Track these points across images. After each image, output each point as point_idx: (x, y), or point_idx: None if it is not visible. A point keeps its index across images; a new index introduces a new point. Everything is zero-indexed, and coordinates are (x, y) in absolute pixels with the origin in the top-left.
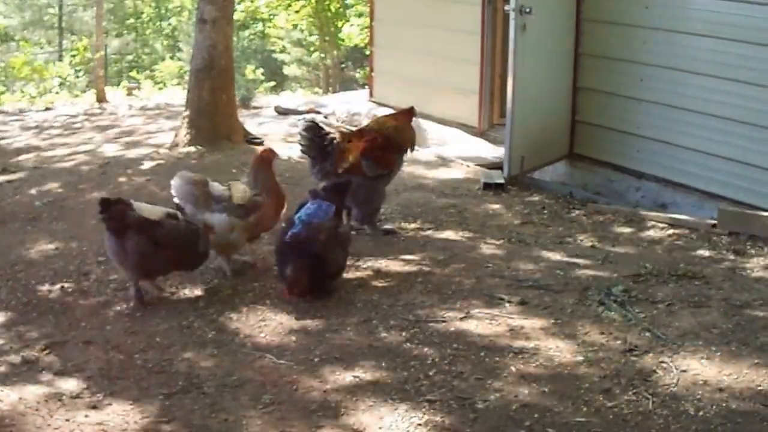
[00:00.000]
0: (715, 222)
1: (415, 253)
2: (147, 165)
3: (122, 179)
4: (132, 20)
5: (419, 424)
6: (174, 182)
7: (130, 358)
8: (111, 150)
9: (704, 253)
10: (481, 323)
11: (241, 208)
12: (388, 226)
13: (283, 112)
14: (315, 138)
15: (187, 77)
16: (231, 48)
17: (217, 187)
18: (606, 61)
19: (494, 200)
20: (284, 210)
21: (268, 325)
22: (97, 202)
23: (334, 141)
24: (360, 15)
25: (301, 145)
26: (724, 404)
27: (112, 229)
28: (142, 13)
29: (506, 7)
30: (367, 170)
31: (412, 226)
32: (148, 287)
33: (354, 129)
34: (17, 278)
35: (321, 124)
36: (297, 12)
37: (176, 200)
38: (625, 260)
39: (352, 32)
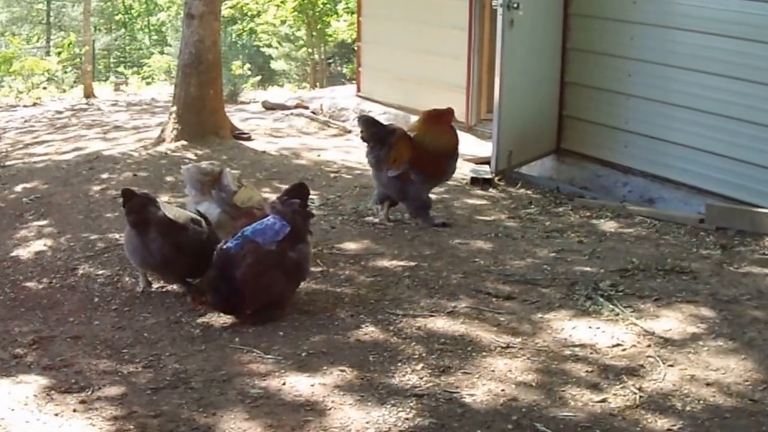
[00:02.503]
0: (703, 217)
1: (402, 248)
2: (133, 160)
3: (109, 175)
4: (120, 16)
5: (406, 419)
6: (188, 167)
7: (118, 353)
8: (98, 145)
9: (692, 248)
10: (469, 318)
11: (235, 208)
12: (441, 220)
13: (270, 107)
14: (373, 129)
15: (174, 72)
16: (218, 43)
17: (229, 177)
18: (594, 56)
19: (481, 195)
20: None
21: (255, 320)
22: (119, 195)
23: (393, 133)
24: (352, 13)
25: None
26: (711, 399)
27: (132, 223)
28: (131, 8)
29: (494, 3)
30: (415, 179)
31: (399, 220)
32: (141, 280)
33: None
34: (5, 274)
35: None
36: (292, 11)
37: (184, 176)
38: (613, 255)
39: (340, 27)
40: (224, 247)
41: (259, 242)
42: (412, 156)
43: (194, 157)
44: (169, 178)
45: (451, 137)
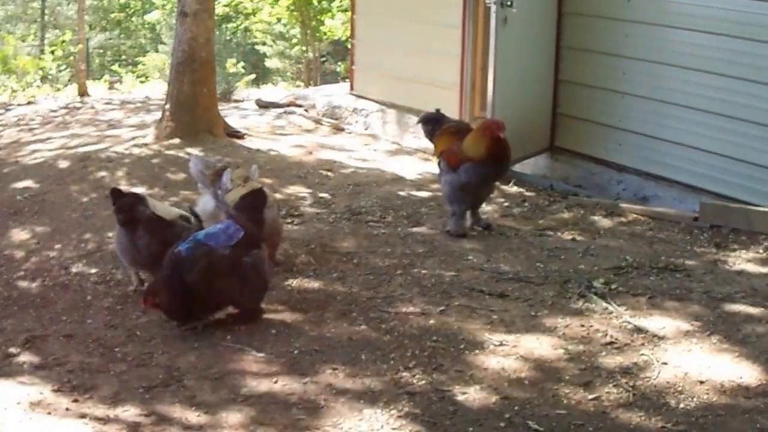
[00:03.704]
0: (697, 215)
1: (395, 245)
2: (127, 159)
3: (103, 173)
4: (116, 13)
5: (399, 417)
6: (194, 160)
7: (110, 352)
8: (92, 144)
9: (686, 246)
10: (461, 316)
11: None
12: (462, 231)
13: (264, 105)
14: (428, 126)
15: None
16: (212, 41)
17: (228, 176)
18: (588, 54)
19: None
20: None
21: (243, 321)
22: (108, 193)
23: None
24: (346, 11)
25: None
26: (705, 397)
27: (121, 222)
28: (127, 6)
29: (487, 0)
30: (443, 167)
31: (392, 218)
32: (133, 278)
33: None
34: None
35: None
36: (286, 9)
37: (192, 169)
38: (606, 253)
39: (335, 25)
40: (175, 251)
41: (212, 246)
42: (446, 148)
43: (187, 156)
44: (162, 177)
45: (483, 147)
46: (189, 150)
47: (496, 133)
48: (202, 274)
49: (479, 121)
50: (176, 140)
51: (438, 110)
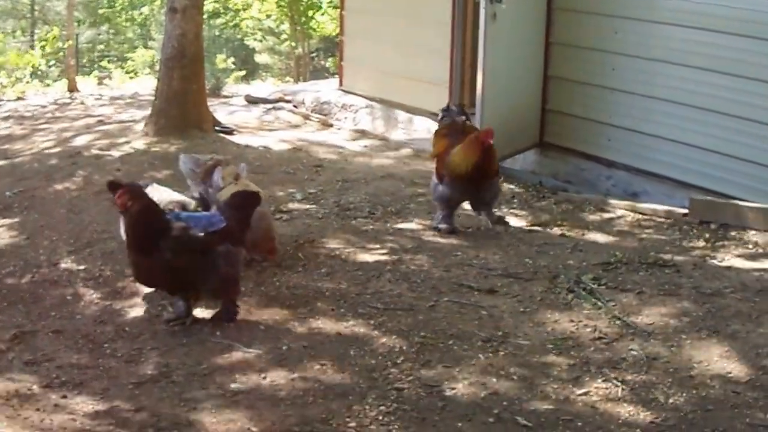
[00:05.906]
0: (686, 211)
1: (384, 241)
2: (117, 154)
3: (92, 170)
4: (104, 9)
5: (387, 413)
6: (183, 157)
7: (99, 348)
8: (81, 140)
9: (675, 241)
10: (450, 312)
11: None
12: (449, 227)
13: (253, 101)
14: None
15: (158, 66)
16: (201, 37)
17: (219, 174)
18: (577, 50)
19: None
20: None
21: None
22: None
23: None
24: (336, 7)
25: None
26: (694, 392)
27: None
28: (115, 2)
29: None
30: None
31: (381, 214)
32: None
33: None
34: None
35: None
36: (276, 4)
37: (182, 167)
38: (595, 248)
39: (324, 21)
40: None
41: (191, 225)
42: (438, 153)
43: (176, 152)
44: (150, 173)
45: (470, 163)
46: (178, 146)
47: (487, 141)
48: (169, 242)
49: (470, 136)
50: (166, 136)
51: (459, 104)
